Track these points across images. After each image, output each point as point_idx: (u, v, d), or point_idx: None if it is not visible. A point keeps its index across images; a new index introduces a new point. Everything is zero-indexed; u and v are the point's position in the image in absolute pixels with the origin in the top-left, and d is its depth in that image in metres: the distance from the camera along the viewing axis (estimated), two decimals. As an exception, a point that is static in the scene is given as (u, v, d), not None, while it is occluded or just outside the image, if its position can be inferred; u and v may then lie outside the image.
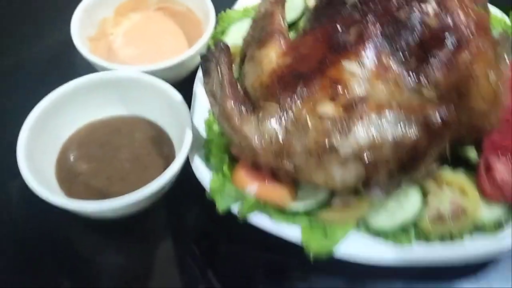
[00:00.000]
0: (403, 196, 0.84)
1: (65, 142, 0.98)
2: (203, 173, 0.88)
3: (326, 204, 0.85)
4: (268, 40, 0.89)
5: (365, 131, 0.76)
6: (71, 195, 0.90)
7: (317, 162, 0.78)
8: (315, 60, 0.82)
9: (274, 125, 0.80)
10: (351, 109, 0.77)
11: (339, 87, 0.78)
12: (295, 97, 0.80)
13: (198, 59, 0.91)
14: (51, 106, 0.94)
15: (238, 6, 1.18)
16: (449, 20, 0.81)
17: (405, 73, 0.80)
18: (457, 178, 0.87)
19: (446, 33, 0.80)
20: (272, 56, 0.86)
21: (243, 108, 0.82)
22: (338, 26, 0.84)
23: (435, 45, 0.80)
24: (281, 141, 0.80)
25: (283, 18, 0.94)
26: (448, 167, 0.87)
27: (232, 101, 0.82)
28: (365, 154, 0.76)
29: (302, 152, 0.79)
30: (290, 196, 0.83)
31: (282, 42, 0.88)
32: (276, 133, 0.80)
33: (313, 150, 0.78)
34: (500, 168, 0.87)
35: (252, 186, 0.82)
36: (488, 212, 0.84)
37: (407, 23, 0.81)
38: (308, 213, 0.84)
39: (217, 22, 1.14)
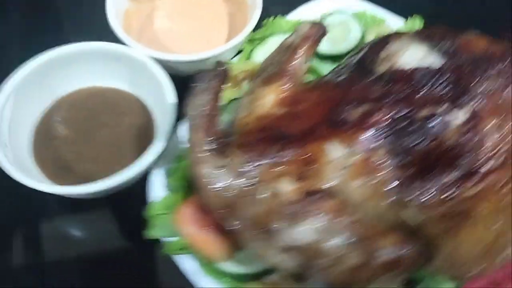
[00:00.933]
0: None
1: (49, 106, 0.96)
2: (155, 187, 0.82)
3: (259, 276, 0.76)
4: (273, 80, 0.79)
5: (313, 230, 0.65)
6: (39, 160, 0.89)
7: (260, 235, 0.70)
8: (307, 124, 0.72)
9: (232, 180, 0.72)
10: (311, 198, 0.67)
11: (312, 168, 0.68)
12: (267, 158, 0.71)
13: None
14: (33, 73, 0.91)
15: (293, 16, 1.07)
16: (474, 140, 0.66)
17: (395, 182, 0.67)
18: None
19: (463, 154, 0.66)
20: (269, 100, 0.77)
21: (211, 146, 0.74)
22: (348, 96, 0.72)
23: (442, 163, 0.66)
24: (233, 198, 0.71)
25: (307, 58, 0.82)
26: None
27: (203, 134, 0.74)
28: (305, 252, 0.66)
29: (249, 218, 0.71)
30: (225, 254, 0.76)
31: (288, 87, 0.78)
32: (231, 187, 0.72)
33: (258, 223, 0.69)
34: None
35: (189, 229, 0.75)
36: None
37: (425, 124, 0.68)
38: (236, 278, 0.76)
39: (261, 26, 1.04)
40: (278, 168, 0.69)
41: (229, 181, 0.71)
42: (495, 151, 0.66)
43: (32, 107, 0.93)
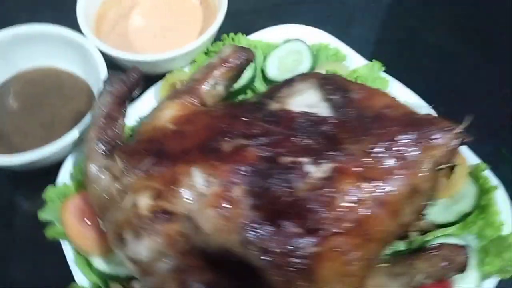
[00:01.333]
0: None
1: (8, 78, 1.04)
2: (63, 173, 0.88)
3: (125, 279, 0.79)
4: (178, 96, 0.81)
5: (149, 249, 0.67)
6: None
7: (116, 242, 0.73)
8: (186, 145, 0.74)
9: (109, 182, 0.75)
10: (160, 218, 0.69)
11: (172, 189, 0.69)
12: (140, 169, 0.73)
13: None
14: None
15: (256, 36, 1.07)
16: (328, 198, 0.65)
17: (246, 221, 0.67)
18: None
19: (313, 209, 0.65)
20: (167, 114, 0.79)
21: (101, 146, 0.78)
22: (232, 128, 0.73)
23: (293, 213, 0.66)
24: (105, 199, 0.75)
25: (223, 81, 0.84)
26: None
27: (96, 133, 0.78)
28: (140, 267, 0.69)
29: (113, 222, 0.74)
30: (98, 251, 0.80)
31: (188, 106, 0.80)
32: (107, 190, 0.75)
33: (117, 229, 0.72)
34: None
35: (70, 219, 0.80)
36: None
37: (286, 171, 0.67)
38: (103, 276, 0.80)
39: (220, 40, 1.06)
40: (146, 181, 0.71)
41: (107, 183, 0.75)
42: (347, 214, 0.65)
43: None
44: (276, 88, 0.79)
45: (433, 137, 0.68)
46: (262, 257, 0.66)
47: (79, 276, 0.80)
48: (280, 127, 0.71)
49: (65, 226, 0.80)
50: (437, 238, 0.85)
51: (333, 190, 0.65)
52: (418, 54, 1.26)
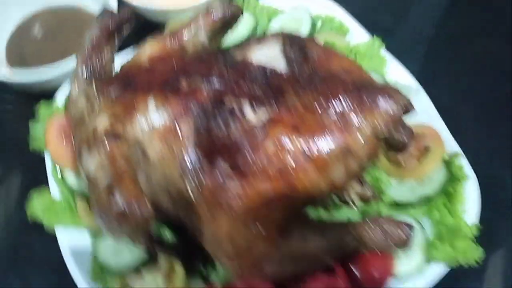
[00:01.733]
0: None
1: (39, 11, 1.16)
2: (59, 96, 0.97)
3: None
4: (161, 39, 0.86)
5: (96, 163, 0.74)
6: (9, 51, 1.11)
7: (77, 154, 0.81)
8: (151, 80, 0.79)
9: (84, 104, 0.83)
10: (111, 138, 0.75)
11: (129, 116, 0.76)
12: (109, 94, 0.80)
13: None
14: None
15: (267, 1, 1.10)
16: (257, 141, 0.68)
17: (188, 156, 0.71)
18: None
19: (243, 150, 0.68)
20: (146, 53, 0.85)
21: (84, 71, 0.86)
22: (195, 69, 0.78)
23: (226, 152, 0.70)
24: (78, 118, 0.83)
25: (204, 32, 0.88)
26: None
27: (82, 59, 0.86)
28: (88, 179, 0.76)
29: (78, 138, 0.81)
30: (71, 165, 0.88)
31: (166, 48, 0.85)
32: (81, 110, 0.83)
33: (78, 145, 0.80)
34: None
35: (51, 134, 0.89)
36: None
37: (229, 113, 0.71)
38: (72, 189, 0.88)
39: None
40: (109, 106, 0.78)
41: (82, 105, 0.82)
42: (274, 161, 0.67)
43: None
44: (248, 40, 0.82)
45: (375, 102, 0.69)
46: (195, 192, 0.70)
47: (53, 184, 0.89)
48: (235, 74, 0.74)
49: (47, 140, 0.89)
50: (388, 213, 0.85)
51: (264, 136, 0.68)
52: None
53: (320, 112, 0.69)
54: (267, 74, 0.74)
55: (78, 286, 0.82)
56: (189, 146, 0.72)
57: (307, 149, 0.68)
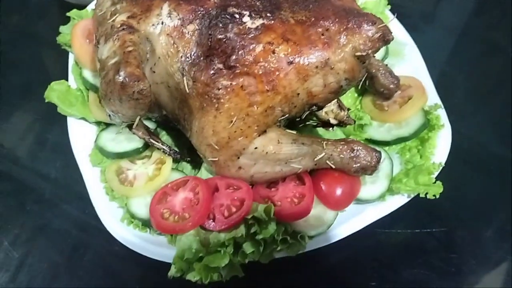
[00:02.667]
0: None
1: None
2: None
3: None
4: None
5: (109, 49, 0.85)
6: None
7: (95, 46, 0.91)
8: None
9: (109, 6, 0.93)
10: (125, 29, 0.85)
11: (144, 14, 0.86)
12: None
13: None
14: None
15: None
16: (251, 44, 0.78)
17: (189, 53, 0.81)
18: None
19: (237, 51, 0.78)
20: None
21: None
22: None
23: (222, 52, 0.79)
24: (102, 18, 0.93)
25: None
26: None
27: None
28: (100, 63, 0.87)
29: (98, 33, 0.92)
30: (90, 65, 0.99)
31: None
32: (105, 11, 0.93)
33: (98, 37, 0.90)
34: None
35: (77, 34, 1.00)
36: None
37: (229, 18, 0.81)
38: (87, 85, 1.00)
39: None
40: (129, 6, 0.88)
41: (107, 7, 0.93)
42: (260, 61, 0.77)
43: None
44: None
45: (360, 26, 0.77)
46: (191, 85, 0.80)
47: (72, 77, 1.00)
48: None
49: (73, 39, 1.00)
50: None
51: (256, 40, 0.77)
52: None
53: (309, 27, 0.78)
54: (269, -9, 0.83)
55: (80, 169, 0.93)
56: (191, 45, 0.81)
57: (291, 57, 0.77)
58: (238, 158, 0.82)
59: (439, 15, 1.41)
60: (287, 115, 0.82)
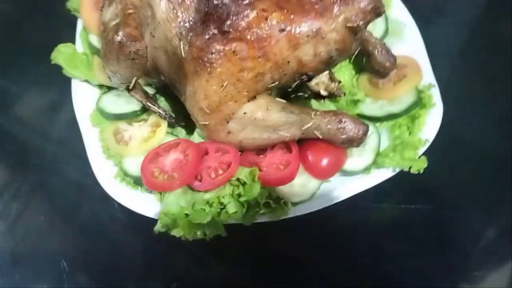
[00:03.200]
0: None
1: None
2: None
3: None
4: None
5: (112, 11, 0.89)
6: None
7: (100, 7, 0.95)
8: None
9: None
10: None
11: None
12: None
13: None
14: None
15: None
16: (245, 11, 0.80)
17: (188, 19, 0.84)
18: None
19: (231, 17, 0.81)
20: None
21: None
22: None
23: (217, 18, 0.81)
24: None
25: None
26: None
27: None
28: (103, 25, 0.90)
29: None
30: (97, 30, 1.02)
31: None
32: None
33: (105, 1, 0.94)
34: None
35: (87, 11, 1.04)
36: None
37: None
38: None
39: None
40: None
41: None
42: (253, 27, 0.79)
43: None
44: None
45: (352, -2, 0.79)
46: (186, 50, 0.83)
47: (79, 41, 1.04)
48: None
49: (82, 5, 1.04)
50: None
51: (250, 5, 0.79)
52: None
53: (302, -3, 0.81)
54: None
55: (80, 128, 0.97)
56: (189, 12, 0.84)
57: (283, 24, 0.79)
58: (228, 122, 0.85)
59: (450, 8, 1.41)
60: (277, 83, 0.84)
